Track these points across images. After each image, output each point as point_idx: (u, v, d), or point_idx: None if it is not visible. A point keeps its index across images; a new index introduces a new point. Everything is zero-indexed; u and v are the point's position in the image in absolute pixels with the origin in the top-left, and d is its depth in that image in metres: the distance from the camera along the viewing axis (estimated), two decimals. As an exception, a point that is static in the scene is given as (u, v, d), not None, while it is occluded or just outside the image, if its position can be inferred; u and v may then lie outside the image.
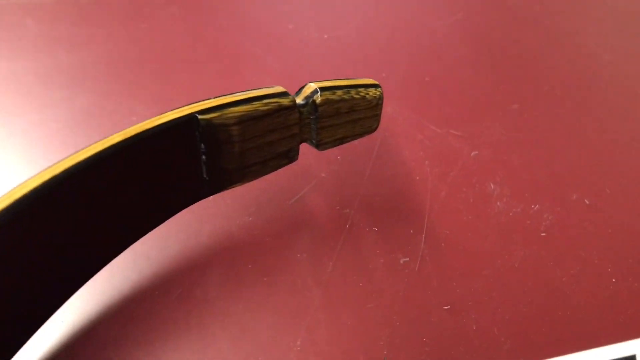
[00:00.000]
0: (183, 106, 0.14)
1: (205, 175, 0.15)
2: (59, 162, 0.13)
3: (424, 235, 0.18)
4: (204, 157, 0.15)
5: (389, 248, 0.17)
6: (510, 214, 0.18)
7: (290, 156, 0.16)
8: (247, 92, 0.15)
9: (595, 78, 0.23)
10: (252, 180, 0.16)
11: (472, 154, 0.20)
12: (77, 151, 0.13)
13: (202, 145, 0.15)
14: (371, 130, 0.17)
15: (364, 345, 0.15)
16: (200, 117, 0.14)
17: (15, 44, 0.22)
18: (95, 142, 0.13)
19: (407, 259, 0.17)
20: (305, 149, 0.18)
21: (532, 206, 0.19)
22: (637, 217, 0.19)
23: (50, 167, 0.13)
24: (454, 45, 0.24)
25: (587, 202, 0.19)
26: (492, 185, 0.19)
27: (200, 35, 0.23)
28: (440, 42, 0.24)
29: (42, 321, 0.14)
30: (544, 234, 0.18)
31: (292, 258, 0.17)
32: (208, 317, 0.15)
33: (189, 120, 0.14)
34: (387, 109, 0.21)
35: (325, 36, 0.24)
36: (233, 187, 0.16)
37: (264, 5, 0.25)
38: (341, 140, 0.17)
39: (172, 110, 0.14)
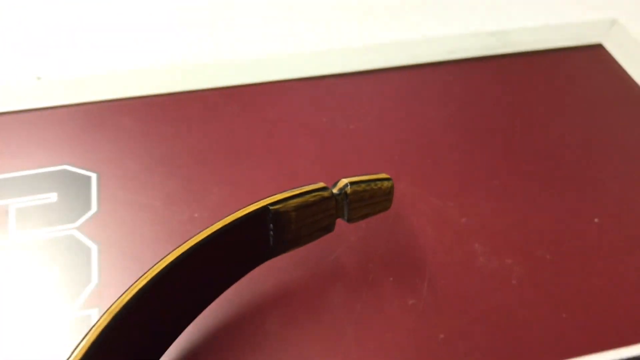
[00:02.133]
0: (259, 200, 0.21)
1: (271, 244, 0.22)
2: (186, 241, 0.20)
3: (426, 283, 0.24)
4: (271, 232, 0.22)
5: (400, 293, 0.24)
6: (490, 267, 0.25)
7: (329, 228, 0.23)
8: (301, 188, 0.22)
9: (561, 160, 0.30)
10: (303, 245, 0.23)
11: (462, 220, 0.27)
12: (195, 234, 0.20)
13: (271, 225, 0.22)
14: (386, 209, 0.24)
15: (384, 354, 0.22)
16: (270, 207, 0.21)
17: (118, 137, 0.30)
18: (202, 229, 0.20)
19: (414, 301, 0.24)
20: (339, 222, 0.24)
21: (506, 260, 0.25)
22: (582, 271, 0.25)
23: (180, 246, 0.20)
24: (448, 133, 0.31)
25: (548, 257, 0.26)
26: (476, 245, 0.26)
27: (255, 127, 0.31)
28: (437, 130, 0.31)
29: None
30: (514, 282, 0.25)
31: (331, 302, 0.24)
32: (271, 348, 0.22)
33: (264, 210, 0.21)
34: (400, 186, 0.28)
35: (351, 126, 0.31)
36: (289, 252, 0.23)
37: (303, 103, 0.32)
38: (365, 216, 0.24)
39: (251, 203, 0.21)
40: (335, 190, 0.23)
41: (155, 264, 0.19)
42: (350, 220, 0.23)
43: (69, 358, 0.17)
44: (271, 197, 0.21)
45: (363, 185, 0.23)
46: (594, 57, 0.36)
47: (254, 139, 0.30)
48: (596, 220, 0.27)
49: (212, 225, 0.20)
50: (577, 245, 0.26)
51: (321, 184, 0.22)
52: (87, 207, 0.27)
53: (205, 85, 0.32)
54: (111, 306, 0.18)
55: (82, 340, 0.17)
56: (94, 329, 0.17)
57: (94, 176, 0.28)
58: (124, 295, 0.18)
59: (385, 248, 0.26)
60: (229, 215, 0.21)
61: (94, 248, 0.25)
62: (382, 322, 0.23)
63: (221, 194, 0.27)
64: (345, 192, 0.23)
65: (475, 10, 0.38)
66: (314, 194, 0.22)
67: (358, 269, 0.25)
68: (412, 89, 0.33)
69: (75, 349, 0.17)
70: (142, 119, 0.31)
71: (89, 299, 0.24)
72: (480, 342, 0.23)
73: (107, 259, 0.25)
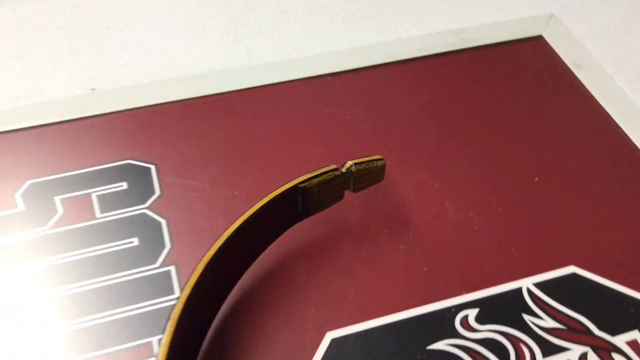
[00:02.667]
0: (291, 180, 0.30)
1: (299, 211, 0.31)
2: (242, 214, 0.28)
3: (411, 233, 0.33)
4: (300, 203, 0.31)
5: (393, 241, 0.33)
6: (457, 218, 0.34)
7: (340, 197, 0.32)
8: (319, 170, 0.31)
9: (510, 134, 0.39)
10: (321, 211, 0.32)
11: (436, 185, 0.36)
12: (249, 208, 0.28)
13: (299, 198, 0.30)
14: (381, 180, 0.33)
15: (384, 292, 0.31)
16: (300, 185, 0.30)
17: (166, 134, 0.38)
18: (252, 205, 0.29)
19: (404, 246, 0.33)
20: (346, 192, 0.33)
21: (469, 213, 0.34)
22: (525, 218, 0.34)
23: (239, 217, 0.28)
24: (423, 118, 0.39)
25: (500, 209, 0.35)
26: (447, 202, 0.35)
27: (271, 121, 0.39)
28: (414, 116, 0.40)
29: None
30: (475, 228, 0.34)
31: (343, 249, 0.33)
32: (300, 283, 0.31)
33: (295, 188, 0.30)
34: (388, 162, 0.36)
35: (347, 117, 0.40)
36: (311, 216, 0.32)
37: (306, 99, 0.41)
38: (365, 187, 0.33)
39: (285, 184, 0.30)
40: (344, 170, 0.31)
41: (225, 230, 0.28)
42: (355, 190, 0.32)
43: (179, 297, 0.25)
44: (299, 178, 0.30)
45: (364, 165, 0.32)
46: (535, 47, 0.45)
47: (272, 131, 0.38)
48: (536, 179, 0.37)
49: (258, 201, 0.29)
50: (522, 199, 0.36)
51: (334, 166, 0.31)
52: (152, 191, 0.35)
53: (229, 88, 0.41)
54: (202, 258, 0.26)
55: (185, 284, 0.26)
56: (193, 274, 0.26)
57: (153, 167, 0.36)
58: (209, 251, 0.27)
59: (380, 209, 0.34)
60: (267, 194, 0.29)
61: (163, 222, 0.34)
62: (381, 262, 0.32)
63: (253, 176, 0.36)
64: (351, 171, 0.31)
65: (440, 12, 0.46)
66: (329, 173, 0.31)
67: (361, 225, 0.34)
68: (392, 82, 0.42)
69: (184, 287, 0.25)
70: (182, 119, 0.39)
71: (166, 259, 0.32)
72: (452, 271, 0.32)
73: (175, 229, 0.33)
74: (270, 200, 0.29)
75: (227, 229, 0.28)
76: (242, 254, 0.30)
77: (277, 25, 0.46)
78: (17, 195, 0.35)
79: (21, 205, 0.34)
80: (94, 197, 0.35)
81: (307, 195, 0.30)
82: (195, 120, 0.39)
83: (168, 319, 0.24)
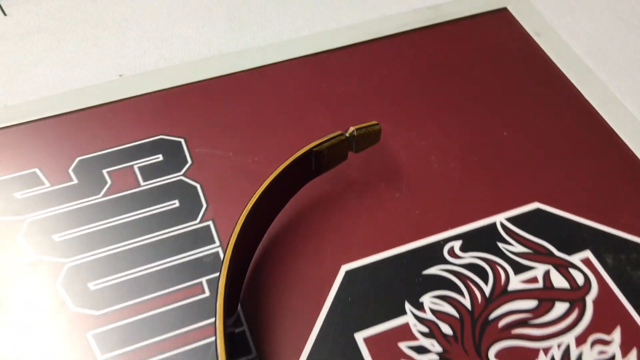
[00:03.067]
0: (306, 146, 0.37)
1: (313, 169, 0.38)
2: (269, 176, 0.35)
3: (404, 183, 0.41)
4: (313, 162, 0.38)
5: (389, 191, 0.40)
6: (441, 169, 0.41)
7: (345, 157, 0.39)
8: (328, 135, 0.37)
9: (482, 96, 0.46)
10: (330, 170, 0.39)
11: (422, 143, 0.43)
12: (273, 171, 0.35)
13: (313, 160, 0.37)
14: (377, 142, 0.40)
15: (385, 231, 0.38)
16: (314, 149, 0.37)
17: (191, 111, 0.44)
18: (271, 168, 0.36)
19: (399, 194, 0.40)
20: (350, 153, 0.40)
21: (451, 164, 0.42)
22: (497, 165, 0.42)
23: (267, 178, 0.35)
24: (408, 87, 0.46)
25: (476, 159, 0.42)
26: (432, 157, 0.42)
27: (279, 96, 0.46)
28: (400, 86, 0.46)
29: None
30: (456, 176, 0.41)
31: (348, 200, 0.40)
32: (316, 228, 0.38)
33: (309, 151, 0.37)
34: (383, 126, 0.43)
35: (343, 89, 0.46)
36: (322, 174, 0.39)
37: (306, 75, 0.47)
38: (365, 148, 0.39)
39: (301, 148, 0.37)
40: (347, 134, 0.38)
41: (255, 190, 0.34)
42: (357, 151, 0.39)
43: (229, 241, 0.32)
44: (312, 143, 0.37)
45: (363, 130, 0.38)
46: (501, 18, 0.52)
47: (281, 104, 0.45)
48: (505, 133, 0.44)
49: (278, 165, 0.36)
50: (494, 150, 0.43)
51: (339, 132, 0.38)
52: (185, 161, 0.42)
53: (240, 68, 0.47)
54: (242, 212, 0.33)
55: (232, 231, 0.32)
56: (237, 223, 0.33)
57: (182, 140, 0.43)
58: (247, 205, 0.34)
59: (378, 166, 0.41)
60: (282, 158, 0.36)
61: (197, 186, 0.40)
62: (381, 208, 0.39)
63: (269, 144, 0.42)
64: (354, 135, 0.38)
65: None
66: (336, 138, 0.37)
67: (362, 180, 0.41)
68: (380, 56, 0.48)
69: (231, 234, 0.32)
70: (202, 97, 0.45)
71: (204, 216, 0.39)
72: (439, 212, 0.39)
73: (208, 191, 0.40)
74: (290, 162, 0.36)
75: (257, 188, 0.35)
76: (271, 207, 0.37)
77: (275, 9, 0.52)
78: (70, 171, 0.41)
79: (75, 179, 0.41)
80: (135, 168, 0.41)
81: (319, 157, 0.37)
82: (214, 98, 0.45)
83: (222, 259, 0.31)
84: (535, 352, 0.34)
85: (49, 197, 0.40)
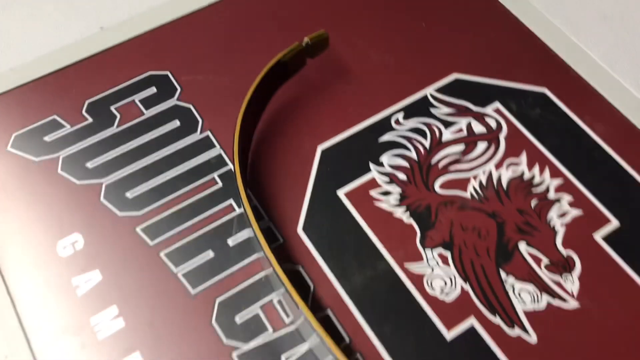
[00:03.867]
0: (276, 55, 0.47)
1: (288, 72, 0.48)
2: (254, 81, 0.45)
3: (352, 77, 0.51)
4: (281, 70, 0.48)
5: (343, 83, 0.51)
6: (378, 61, 0.52)
7: (305, 62, 0.50)
8: (290, 47, 0.48)
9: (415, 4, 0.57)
10: (297, 72, 0.49)
11: (361, 42, 0.54)
12: (257, 76, 0.46)
13: (285, 64, 0.48)
14: (327, 46, 0.50)
15: (346, 115, 0.49)
16: (280, 60, 0.47)
17: (167, 49, 0.53)
18: (251, 81, 0.46)
19: (349, 86, 0.51)
20: (308, 59, 0.50)
21: (385, 56, 0.53)
22: (416, 47, 0.53)
23: (253, 83, 0.45)
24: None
25: (404, 48, 0.53)
26: (371, 52, 0.53)
27: (247, 25, 0.55)
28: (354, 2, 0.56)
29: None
30: (391, 64, 0.52)
31: (314, 93, 0.50)
32: (290, 113, 0.49)
33: (277, 62, 0.47)
34: (330, 34, 0.54)
35: (293, 8, 0.56)
36: (289, 79, 0.49)
37: (265, 5, 0.56)
38: (319, 53, 0.50)
39: (272, 58, 0.47)
40: (304, 44, 0.48)
41: (241, 101, 0.45)
42: (312, 57, 0.50)
43: (233, 139, 0.43)
44: (278, 55, 0.47)
45: (315, 38, 0.49)
46: None
47: (249, 31, 0.54)
48: (424, 24, 0.55)
49: (256, 77, 0.46)
50: (417, 40, 0.54)
51: (297, 43, 0.48)
52: (175, 88, 0.51)
53: (207, 2, 0.56)
54: (238, 115, 0.44)
55: (239, 112, 0.43)
56: (236, 126, 0.43)
57: (168, 72, 0.52)
58: (240, 109, 0.44)
59: (331, 66, 0.52)
60: (256, 73, 0.46)
61: (191, 106, 0.50)
62: (337, 98, 0.50)
63: (243, 64, 0.52)
64: (308, 44, 0.48)
65: None
66: (296, 48, 0.48)
67: (321, 79, 0.51)
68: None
69: (234, 133, 0.43)
70: (180, 34, 0.54)
71: (203, 128, 0.49)
72: (383, 93, 0.50)
73: (201, 109, 0.50)
74: (265, 73, 0.46)
75: (240, 101, 0.45)
76: (257, 108, 0.47)
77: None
78: (84, 112, 0.50)
79: (90, 118, 0.50)
80: (136, 101, 0.51)
81: (287, 64, 0.48)
82: (189, 33, 0.54)
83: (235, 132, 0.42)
84: (467, 179, 0.46)
85: (73, 136, 0.49)
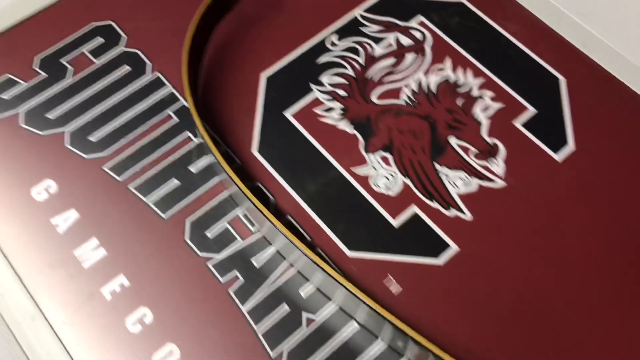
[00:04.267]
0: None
1: (219, 11, 0.52)
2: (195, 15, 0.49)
3: (281, 15, 0.55)
4: (219, 5, 0.51)
5: (276, 14, 0.55)
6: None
7: (239, -2, 0.53)
8: (223, -17, 0.51)
9: None
10: (232, 9, 0.53)
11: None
12: (194, 18, 0.49)
13: (219, 3, 0.51)
14: (258, -20, 0.54)
15: (282, 44, 0.53)
16: (216, -4, 0.50)
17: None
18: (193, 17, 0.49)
19: (284, 14, 0.55)
20: (241, -6, 0.53)
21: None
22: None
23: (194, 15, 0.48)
24: None
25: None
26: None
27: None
28: None
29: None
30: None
31: (251, 27, 0.54)
32: (237, 48, 0.53)
33: (214, -3, 0.50)
34: None
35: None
36: (228, 14, 0.53)
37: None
38: (251, -13, 0.53)
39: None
40: (236, -21, 0.52)
41: (183, 40, 0.48)
42: (246, -9, 0.53)
43: (182, 70, 0.46)
44: (214, -8, 0.50)
45: (246, -27, 0.52)
46: None
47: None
48: (347, -49, 0.58)
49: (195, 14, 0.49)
50: (343, -34, 0.58)
51: (230, -21, 0.51)
52: (119, 36, 0.54)
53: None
54: (182, 51, 0.47)
55: (182, 64, 0.47)
56: (182, 59, 0.47)
57: (112, 22, 0.55)
58: (186, 43, 0.47)
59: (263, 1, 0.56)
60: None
61: (138, 52, 0.53)
62: (274, 28, 0.54)
63: (179, 7, 0.55)
64: (241, -21, 0.52)
65: None
66: (229, -16, 0.51)
67: (256, 13, 0.55)
68: None
69: (182, 66, 0.46)
70: (114, -14, 0.57)
71: (153, 69, 0.52)
72: (315, 19, 0.54)
73: (148, 52, 0.53)
74: (205, 9, 0.50)
75: (181, 41, 0.48)
76: (200, 41, 0.51)
77: None
78: (37, 68, 0.53)
79: (43, 73, 0.52)
80: (85, 52, 0.53)
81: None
82: (123, -17, 0.57)
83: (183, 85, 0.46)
84: (400, 88, 0.51)
85: (30, 91, 0.52)
